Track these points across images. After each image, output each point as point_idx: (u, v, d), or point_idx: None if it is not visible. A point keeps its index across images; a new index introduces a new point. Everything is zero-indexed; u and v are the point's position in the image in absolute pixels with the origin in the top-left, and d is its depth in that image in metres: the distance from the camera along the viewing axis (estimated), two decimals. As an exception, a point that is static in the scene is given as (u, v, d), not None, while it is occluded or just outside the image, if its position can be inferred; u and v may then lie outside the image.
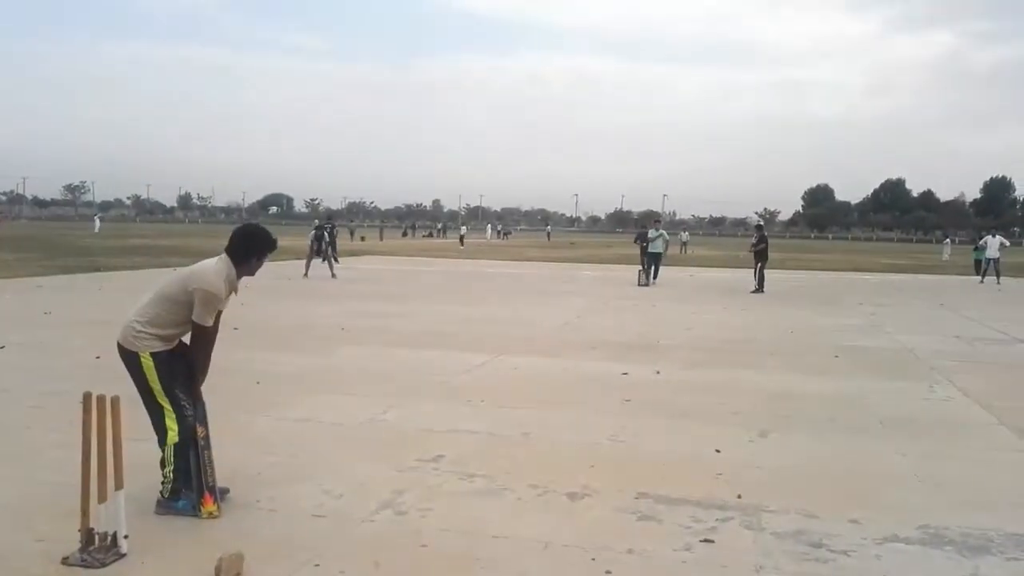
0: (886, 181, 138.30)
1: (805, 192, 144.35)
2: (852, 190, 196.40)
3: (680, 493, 4.22)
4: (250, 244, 3.89)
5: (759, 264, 17.94)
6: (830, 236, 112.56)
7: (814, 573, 3.32)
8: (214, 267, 3.81)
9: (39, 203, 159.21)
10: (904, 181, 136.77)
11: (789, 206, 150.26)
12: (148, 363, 3.71)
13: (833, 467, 4.84)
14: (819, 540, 3.64)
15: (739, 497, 4.18)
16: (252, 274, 3.96)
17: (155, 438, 3.79)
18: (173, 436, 3.76)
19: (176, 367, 3.81)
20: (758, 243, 18.40)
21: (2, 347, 8.25)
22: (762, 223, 24.74)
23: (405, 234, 71.75)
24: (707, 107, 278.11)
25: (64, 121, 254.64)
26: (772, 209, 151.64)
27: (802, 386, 7.28)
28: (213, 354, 3.93)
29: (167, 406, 3.75)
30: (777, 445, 5.29)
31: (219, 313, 3.87)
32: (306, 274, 19.09)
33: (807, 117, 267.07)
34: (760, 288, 17.43)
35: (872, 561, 3.44)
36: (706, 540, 3.62)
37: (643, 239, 20.09)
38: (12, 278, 17.23)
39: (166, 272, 19.92)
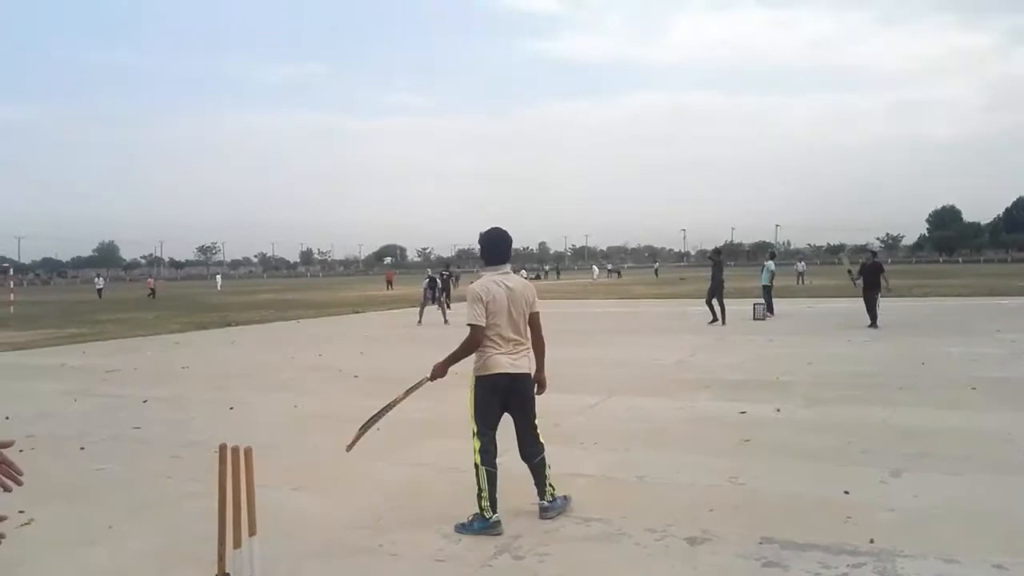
0: (1019, 199, 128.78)
1: (930, 214, 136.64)
2: (981, 210, 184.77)
3: (807, 538, 4.03)
4: (505, 246, 4.68)
5: (871, 295, 16.03)
6: (960, 260, 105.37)
7: (960, 624, 3.09)
8: (521, 277, 4.70)
9: (175, 264, 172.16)
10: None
11: (913, 230, 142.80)
12: None
13: (974, 508, 4.49)
14: (964, 588, 3.39)
15: (871, 541, 3.95)
16: None
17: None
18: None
19: None
20: (860, 271, 16.43)
21: (144, 401, 8.90)
22: (876, 251, 21.96)
23: (513, 278, 72.28)
24: (818, 134, 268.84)
25: (196, 187, 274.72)
26: (895, 234, 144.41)
27: (937, 421, 6.82)
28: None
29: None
30: (911, 485, 4.96)
31: None
32: (420, 321, 19.63)
33: (925, 139, 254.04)
34: (873, 323, 15.69)
35: (1026, 612, 3.17)
36: (837, 588, 3.43)
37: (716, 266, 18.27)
38: (153, 335, 18.62)
39: (292, 324, 20.98)
